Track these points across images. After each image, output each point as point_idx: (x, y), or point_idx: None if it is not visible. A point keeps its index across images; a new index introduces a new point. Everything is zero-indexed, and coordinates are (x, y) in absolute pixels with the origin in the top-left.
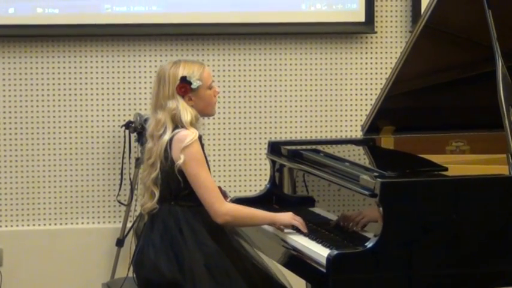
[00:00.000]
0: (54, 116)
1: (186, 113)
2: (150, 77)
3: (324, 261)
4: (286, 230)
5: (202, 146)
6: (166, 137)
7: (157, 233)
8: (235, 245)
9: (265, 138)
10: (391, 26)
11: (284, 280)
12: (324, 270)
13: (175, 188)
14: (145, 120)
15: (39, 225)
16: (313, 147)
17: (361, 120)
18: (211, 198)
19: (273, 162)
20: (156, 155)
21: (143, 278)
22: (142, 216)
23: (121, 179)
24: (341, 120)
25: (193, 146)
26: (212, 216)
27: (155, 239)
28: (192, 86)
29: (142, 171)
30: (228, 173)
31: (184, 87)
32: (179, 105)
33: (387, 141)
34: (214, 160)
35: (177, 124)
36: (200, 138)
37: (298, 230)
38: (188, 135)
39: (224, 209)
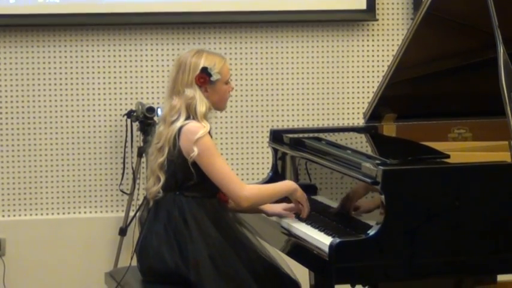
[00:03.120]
0: (56, 106)
1: (202, 104)
2: (152, 66)
3: (326, 249)
4: (287, 218)
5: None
6: (178, 124)
7: (161, 222)
8: (238, 235)
9: (267, 126)
10: (393, 13)
11: (287, 269)
12: (326, 258)
13: (181, 177)
14: (148, 109)
15: (41, 214)
16: (315, 135)
17: (363, 107)
18: (232, 184)
19: (275, 151)
20: (165, 140)
21: (146, 267)
22: (146, 205)
23: (123, 168)
24: (343, 108)
25: (205, 137)
26: (236, 202)
27: (159, 228)
28: (212, 78)
29: (149, 154)
30: (231, 161)
31: (204, 78)
32: (196, 95)
33: (389, 128)
34: None
35: (190, 113)
36: (209, 131)
37: (299, 217)
38: (200, 127)
39: (247, 193)
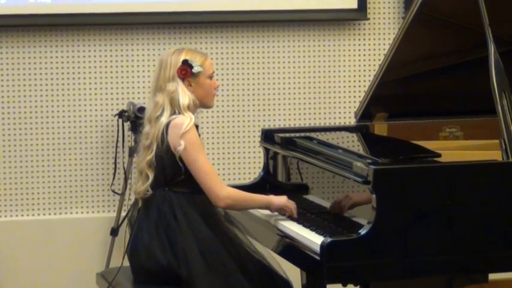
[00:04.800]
0: (47, 106)
1: (185, 96)
2: (143, 65)
3: (317, 248)
4: (279, 217)
5: (198, 135)
6: (164, 119)
7: (151, 219)
8: (228, 232)
9: (259, 126)
10: (384, 13)
11: (279, 268)
12: (318, 257)
13: (170, 173)
14: (139, 109)
15: (33, 215)
16: (307, 134)
17: (354, 107)
18: (211, 182)
19: (267, 150)
20: (153, 137)
21: (138, 266)
22: (136, 205)
23: (115, 168)
24: (334, 107)
25: (191, 131)
26: (213, 201)
27: (149, 224)
28: (193, 70)
29: (137, 158)
30: (222, 161)
31: (185, 70)
32: (179, 88)
33: (380, 127)
34: (207, 148)
35: (175, 109)
36: (197, 127)
37: (290, 216)
38: (185, 121)
39: (225, 193)
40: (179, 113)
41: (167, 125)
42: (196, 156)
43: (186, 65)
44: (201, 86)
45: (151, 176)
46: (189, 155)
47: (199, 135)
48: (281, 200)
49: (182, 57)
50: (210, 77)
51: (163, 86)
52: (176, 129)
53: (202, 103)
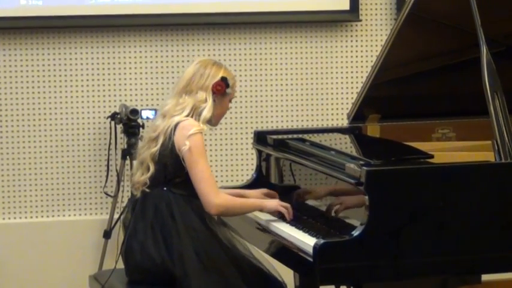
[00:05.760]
0: (39, 108)
1: (210, 110)
2: (136, 68)
3: (310, 250)
4: (272, 218)
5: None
6: (177, 118)
7: (147, 217)
8: (224, 234)
9: (251, 127)
10: (376, 14)
11: (273, 270)
12: (310, 259)
13: (171, 172)
14: (131, 112)
15: (25, 217)
16: (299, 136)
17: (347, 108)
18: (207, 188)
19: (259, 152)
20: (162, 131)
21: (133, 265)
22: (129, 207)
23: (107, 171)
24: (327, 109)
25: (198, 135)
26: (206, 207)
27: (145, 223)
28: (227, 90)
29: (140, 147)
30: (215, 162)
31: (222, 86)
32: (209, 101)
33: (373, 129)
34: None
35: (193, 114)
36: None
37: (283, 217)
38: (195, 125)
39: (219, 201)
40: (195, 118)
41: (176, 125)
42: (198, 160)
43: (225, 83)
44: (221, 106)
45: (151, 169)
46: (191, 158)
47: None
48: (273, 203)
49: (221, 73)
50: (231, 100)
51: (195, 91)
52: (184, 131)
53: (212, 120)
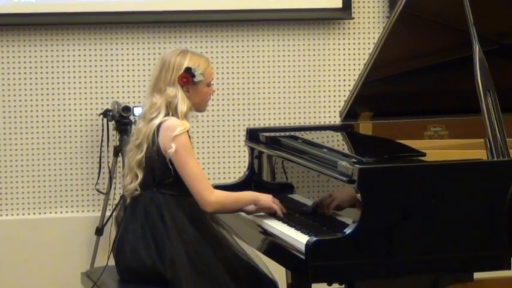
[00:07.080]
0: (31, 105)
1: (184, 103)
2: (128, 65)
3: (302, 248)
4: (264, 216)
5: (189, 138)
6: (157, 121)
7: (138, 220)
8: (215, 234)
9: (244, 125)
10: (369, 12)
11: (264, 268)
12: (302, 257)
13: (159, 175)
14: (123, 109)
15: (17, 214)
16: (292, 133)
17: (339, 106)
18: (200, 186)
19: (252, 149)
20: (144, 137)
21: (123, 266)
22: (122, 204)
23: (99, 168)
24: (319, 107)
25: (182, 135)
26: (201, 205)
27: (136, 225)
28: (195, 79)
29: (128, 151)
30: (207, 160)
31: (187, 78)
32: (178, 95)
33: (365, 127)
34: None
35: (170, 111)
36: (188, 131)
37: (275, 215)
38: (178, 125)
39: (214, 198)
40: (173, 115)
41: (158, 126)
42: (187, 160)
43: (189, 73)
44: (198, 94)
45: (140, 176)
46: (180, 158)
47: (190, 137)
48: (267, 198)
49: (186, 63)
50: (209, 84)
51: (163, 88)
52: (168, 132)
53: (195, 108)
